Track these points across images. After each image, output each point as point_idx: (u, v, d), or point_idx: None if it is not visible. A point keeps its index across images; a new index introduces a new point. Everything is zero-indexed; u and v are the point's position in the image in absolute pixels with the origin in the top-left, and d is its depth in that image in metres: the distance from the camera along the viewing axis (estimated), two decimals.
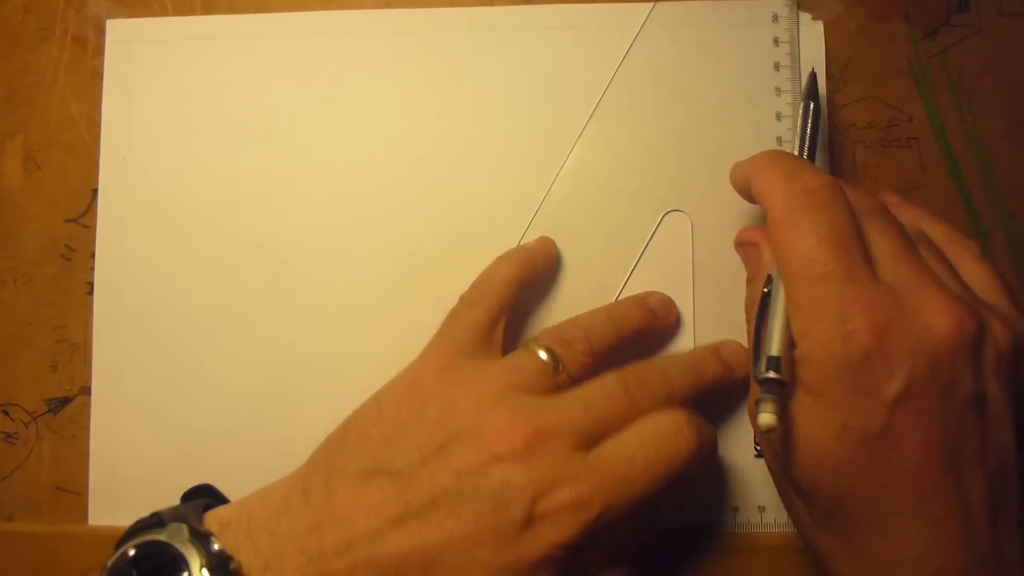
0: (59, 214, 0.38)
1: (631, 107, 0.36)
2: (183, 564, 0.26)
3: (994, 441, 0.27)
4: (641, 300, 0.35)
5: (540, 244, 0.36)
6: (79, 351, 0.37)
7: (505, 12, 0.37)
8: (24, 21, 0.38)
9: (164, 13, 0.38)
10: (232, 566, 0.26)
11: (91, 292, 0.37)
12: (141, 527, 0.27)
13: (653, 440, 0.29)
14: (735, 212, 0.35)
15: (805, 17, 0.37)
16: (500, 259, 0.34)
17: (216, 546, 0.26)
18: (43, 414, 0.37)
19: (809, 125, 0.33)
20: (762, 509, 0.35)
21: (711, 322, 0.35)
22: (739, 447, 0.35)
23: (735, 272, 0.35)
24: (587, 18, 0.37)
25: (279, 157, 0.37)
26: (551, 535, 0.27)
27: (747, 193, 0.32)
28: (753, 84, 0.36)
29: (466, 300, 0.33)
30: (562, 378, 0.31)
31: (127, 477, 0.36)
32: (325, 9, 0.38)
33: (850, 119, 0.36)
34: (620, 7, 0.37)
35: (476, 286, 0.34)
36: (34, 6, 0.38)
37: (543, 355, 0.31)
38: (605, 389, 0.30)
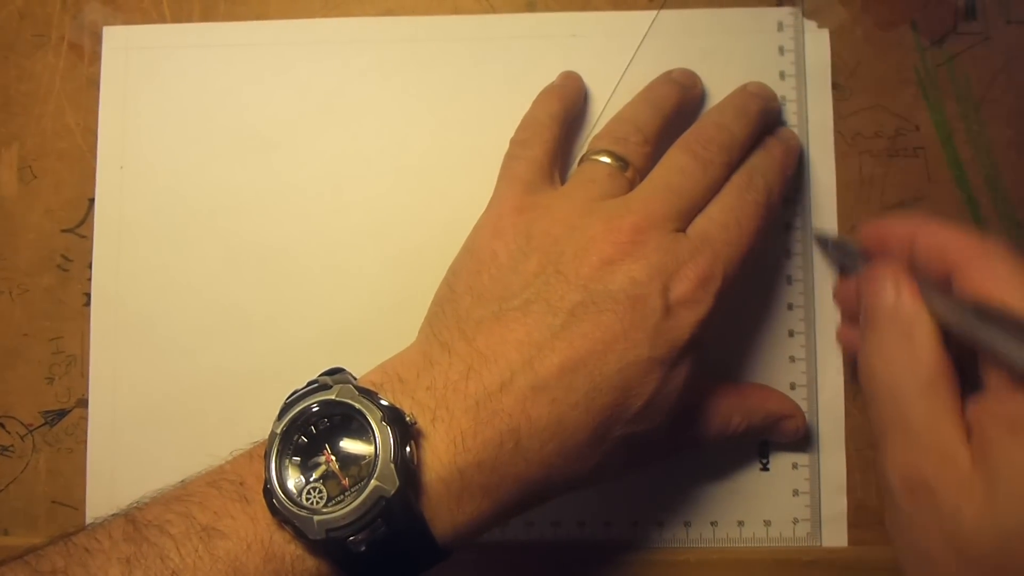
0: (55, 224, 0.37)
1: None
2: (361, 417, 0.25)
3: None
4: (666, 77, 0.35)
5: (567, 79, 0.35)
6: (76, 363, 0.37)
7: (507, 20, 0.37)
8: (19, 28, 0.38)
9: (161, 20, 0.37)
10: (407, 418, 0.26)
11: (88, 303, 0.37)
12: (307, 391, 0.27)
13: (735, 202, 0.30)
14: None
15: (811, 25, 0.36)
16: (539, 99, 0.35)
17: (385, 400, 0.26)
18: (39, 427, 0.37)
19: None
20: (714, 524, 0.35)
21: (721, 342, 0.35)
22: (682, 465, 0.35)
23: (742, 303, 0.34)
24: (590, 26, 0.36)
25: (278, 165, 0.37)
26: (692, 315, 0.28)
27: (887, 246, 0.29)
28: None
29: (519, 141, 0.34)
30: (630, 174, 0.31)
31: (124, 490, 0.35)
32: (325, 16, 0.37)
33: (856, 128, 0.36)
34: (624, 15, 0.36)
35: (525, 126, 0.34)
36: (30, 13, 0.38)
37: (606, 159, 0.31)
38: (677, 164, 0.31)
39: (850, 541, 0.35)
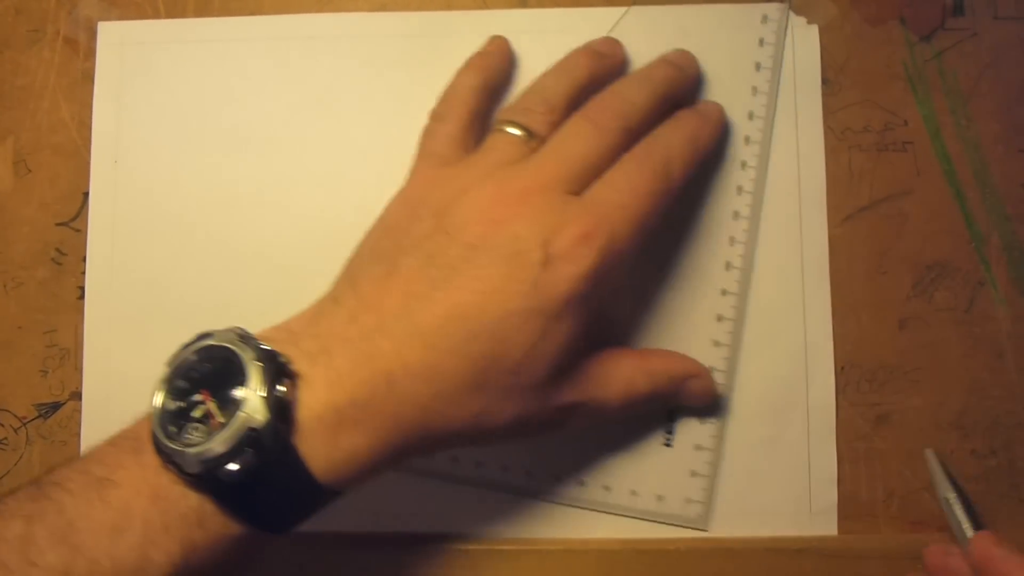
0: (50, 218, 0.37)
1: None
2: (236, 359, 0.26)
3: None
4: (586, 46, 0.35)
5: (493, 45, 0.36)
6: (69, 356, 0.37)
7: (500, 16, 0.37)
8: (15, 23, 0.38)
9: (156, 15, 0.38)
10: (281, 358, 0.27)
11: (82, 296, 0.37)
12: (192, 340, 0.28)
13: (631, 168, 0.31)
14: (689, 197, 0.35)
15: (800, 21, 0.37)
16: (461, 71, 0.35)
17: (266, 346, 0.27)
18: (33, 419, 0.37)
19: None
20: (607, 488, 0.35)
21: (645, 300, 0.36)
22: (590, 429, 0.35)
23: (680, 257, 0.36)
24: (582, 22, 0.37)
25: (272, 160, 0.37)
26: (571, 268, 0.29)
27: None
28: (730, 80, 0.36)
29: (436, 115, 0.34)
30: (535, 144, 0.32)
31: None
32: (319, 12, 0.37)
33: (845, 123, 0.36)
34: (616, 11, 0.37)
35: (443, 99, 0.35)
36: (25, 8, 0.38)
37: (510, 129, 0.32)
38: (572, 130, 0.31)
39: (840, 531, 0.35)
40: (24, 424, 0.37)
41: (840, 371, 0.36)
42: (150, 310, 0.36)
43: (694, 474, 0.35)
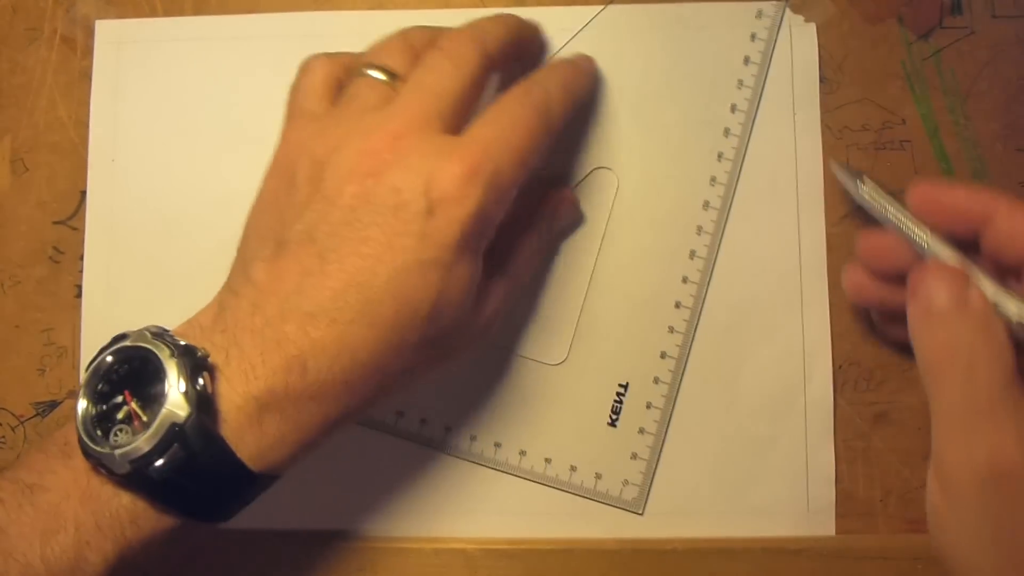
0: (47, 216, 0.37)
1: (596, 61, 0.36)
2: (154, 357, 0.26)
3: None
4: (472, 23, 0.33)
5: None
6: (67, 355, 0.37)
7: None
8: (12, 21, 0.38)
9: (154, 13, 0.38)
10: (199, 352, 0.27)
11: (79, 295, 0.37)
12: (108, 343, 0.28)
13: (509, 105, 0.30)
14: (662, 182, 0.36)
15: (798, 20, 0.36)
16: None
17: (182, 341, 0.27)
18: (30, 418, 0.37)
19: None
20: (548, 461, 0.36)
21: (607, 281, 0.36)
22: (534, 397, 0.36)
23: (647, 235, 0.36)
24: (580, 21, 0.37)
25: (269, 158, 0.37)
26: (458, 211, 0.28)
27: (956, 222, 0.30)
28: (716, 71, 0.36)
29: (300, 67, 0.33)
30: (399, 85, 0.30)
31: None
32: (317, 10, 0.37)
33: (843, 121, 0.36)
34: (614, 8, 0.37)
35: (309, 57, 0.33)
36: (22, 6, 0.38)
37: (372, 72, 0.31)
38: (428, 64, 0.30)
39: (837, 531, 0.35)
40: (22, 422, 0.37)
41: (838, 370, 0.35)
42: (148, 309, 0.36)
43: (634, 456, 0.35)
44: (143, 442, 0.25)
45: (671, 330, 0.36)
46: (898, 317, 0.30)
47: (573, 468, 0.36)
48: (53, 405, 0.37)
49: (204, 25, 0.37)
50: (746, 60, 0.36)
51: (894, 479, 0.35)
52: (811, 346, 0.35)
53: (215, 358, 0.27)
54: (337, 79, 0.32)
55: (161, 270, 0.37)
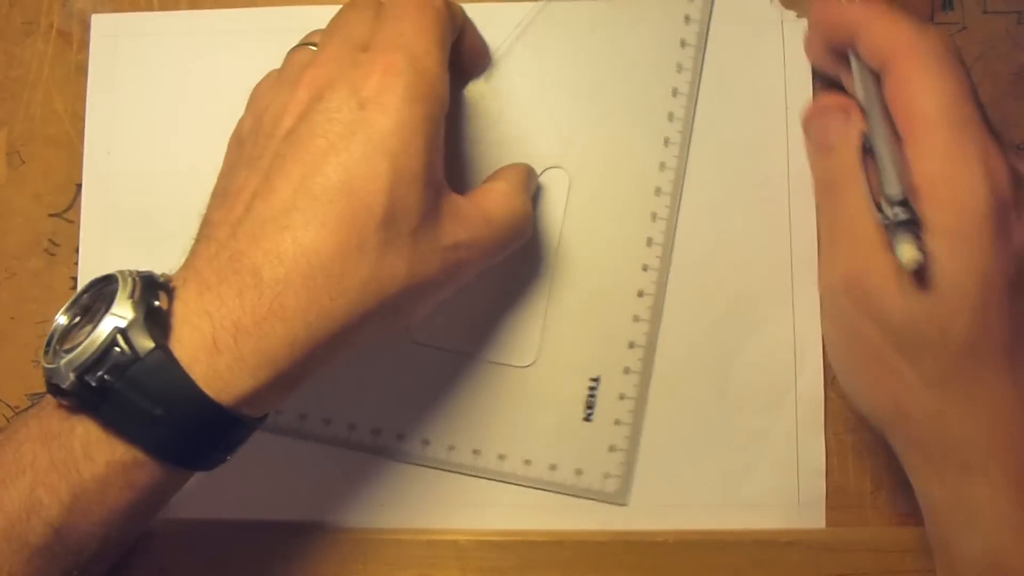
0: (43, 208, 0.37)
1: (537, 60, 0.37)
2: (114, 278, 0.27)
3: None
4: None
5: None
6: None
7: (499, 8, 0.37)
8: (9, 15, 0.38)
9: (149, 8, 0.38)
10: (159, 279, 0.27)
11: (75, 287, 0.37)
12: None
13: (392, 4, 0.30)
14: (613, 174, 0.36)
15: (790, 15, 0.37)
16: None
17: (144, 269, 0.27)
18: (25, 408, 0.37)
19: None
20: (528, 463, 0.36)
21: (568, 279, 0.36)
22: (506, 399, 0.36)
23: (603, 228, 0.36)
24: (576, 17, 0.37)
25: None
26: (387, 98, 0.28)
27: (834, 45, 0.32)
28: (654, 58, 0.36)
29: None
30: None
31: None
32: (313, 4, 0.38)
33: None
34: (609, 3, 0.37)
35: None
36: (19, 0, 0.38)
37: (308, 45, 0.32)
38: (338, 19, 0.31)
39: (828, 523, 0.35)
40: (16, 413, 0.37)
41: (829, 363, 0.36)
42: None
43: (613, 448, 0.36)
44: (85, 347, 0.25)
45: (636, 319, 0.36)
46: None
47: (553, 467, 0.36)
48: None
49: (199, 19, 0.38)
50: (683, 43, 0.36)
51: (884, 472, 0.35)
52: (802, 339, 0.36)
53: (176, 283, 0.27)
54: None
55: (156, 262, 0.36)
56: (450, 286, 0.30)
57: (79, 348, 0.25)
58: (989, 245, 0.27)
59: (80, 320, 0.27)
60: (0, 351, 0.37)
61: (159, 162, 0.37)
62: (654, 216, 0.36)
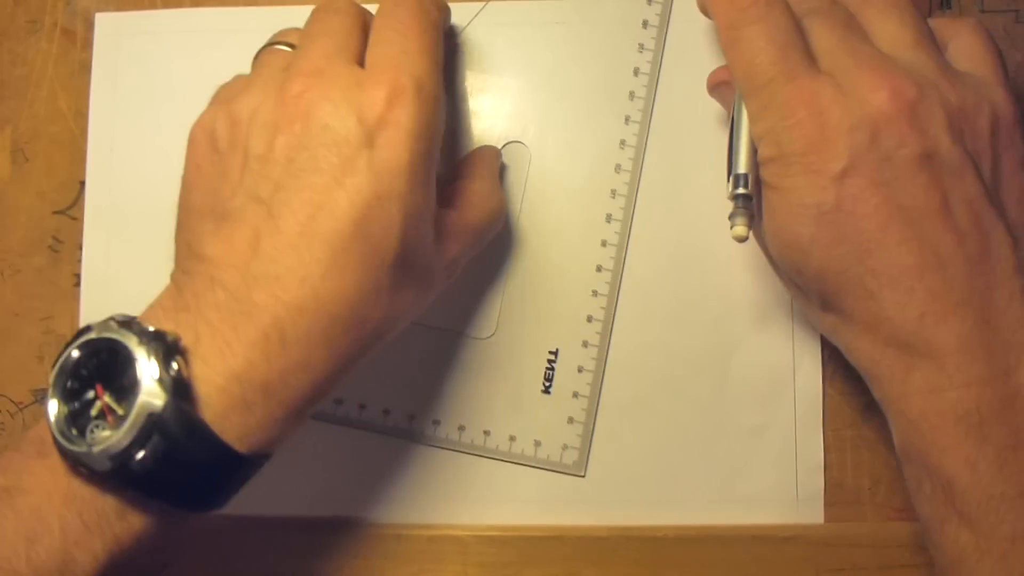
0: (47, 206, 0.38)
1: (501, 37, 0.37)
2: (122, 347, 0.25)
3: (958, 195, 0.27)
4: None
5: None
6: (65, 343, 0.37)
7: (493, 8, 0.37)
8: (13, 14, 0.38)
9: (153, 6, 0.38)
10: (168, 337, 0.25)
11: (78, 284, 0.37)
12: (72, 338, 0.26)
13: (393, 16, 0.30)
14: (573, 150, 0.37)
15: None
16: None
17: (150, 327, 0.26)
18: (29, 405, 0.37)
19: None
20: (487, 433, 0.36)
21: (528, 252, 0.37)
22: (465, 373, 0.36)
23: (563, 203, 0.37)
24: (576, 15, 0.37)
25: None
26: (397, 133, 0.27)
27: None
28: (616, 38, 0.37)
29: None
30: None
31: None
32: (315, 3, 0.38)
33: None
34: (612, 2, 0.37)
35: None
36: None
37: (276, 46, 0.31)
38: (312, 19, 0.31)
39: (826, 519, 0.35)
40: (20, 409, 0.37)
41: (827, 359, 0.36)
42: (146, 298, 0.36)
43: (571, 420, 0.36)
44: (121, 436, 0.24)
45: (595, 294, 0.36)
46: None
47: (512, 438, 0.36)
48: None
49: (203, 18, 0.38)
50: (645, 24, 0.37)
51: (883, 467, 0.36)
52: (800, 335, 0.36)
53: (186, 340, 0.26)
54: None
55: (159, 260, 0.36)
56: (446, 285, 0.32)
57: (114, 439, 0.24)
58: (797, 185, 0.28)
59: (78, 387, 0.26)
60: (4, 348, 0.37)
61: (162, 160, 0.37)
62: (613, 193, 0.37)
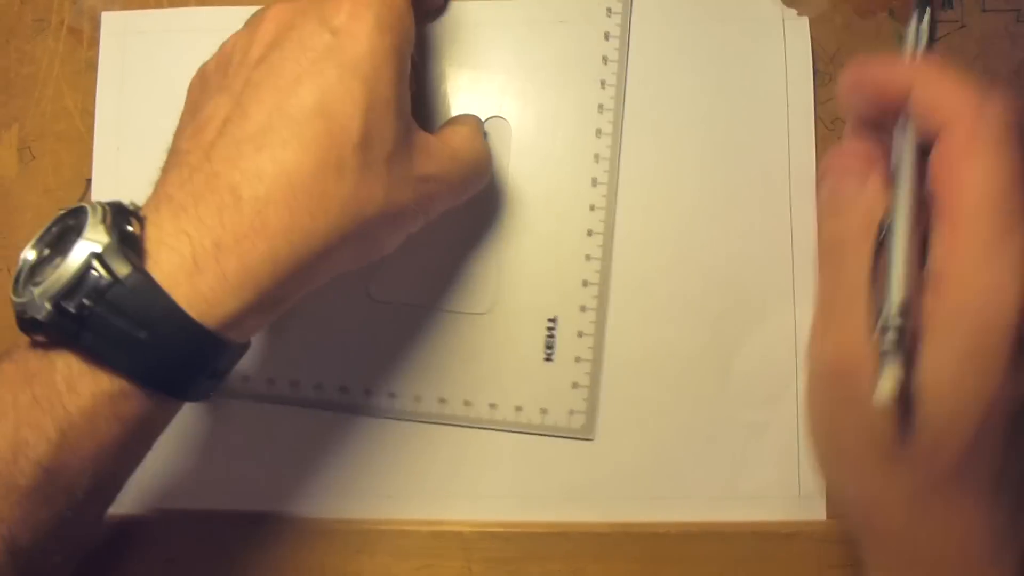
0: (53, 203, 0.38)
1: (478, 13, 0.38)
2: (83, 210, 0.25)
3: None
4: None
5: None
6: None
7: (492, 7, 0.38)
8: (20, 12, 0.39)
9: (159, 5, 0.38)
10: (128, 205, 0.26)
11: None
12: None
13: None
14: (551, 118, 0.37)
15: (791, 12, 0.37)
16: None
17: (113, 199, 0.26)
18: None
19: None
20: (493, 406, 0.36)
21: (518, 223, 0.37)
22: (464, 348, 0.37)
23: (548, 178, 0.37)
24: (575, 13, 0.37)
25: None
26: (359, 25, 0.28)
27: (879, 100, 0.28)
28: (583, 25, 0.37)
29: None
30: None
31: None
32: None
33: (835, 113, 0.37)
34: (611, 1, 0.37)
35: None
36: None
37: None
38: None
39: (828, 515, 0.36)
40: None
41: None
42: None
43: (575, 385, 0.36)
44: (60, 273, 0.24)
45: (588, 258, 0.37)
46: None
47: (519, 408, 0.36)
48: None
49: (208, 16, 0.38)
50: (608, 11, 0.37)
51: None
52: (803, 332, 0.36)
53: (145, 211, 0.26)
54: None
55: None
56: (420, 219, 0.31)
57: (53, 277, 0.24)
58: (1002, 371, 0.24)
59: (50, 253, 0.26)
60: (10, 343, 0.37)
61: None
62: (596, 157, 0.37)
